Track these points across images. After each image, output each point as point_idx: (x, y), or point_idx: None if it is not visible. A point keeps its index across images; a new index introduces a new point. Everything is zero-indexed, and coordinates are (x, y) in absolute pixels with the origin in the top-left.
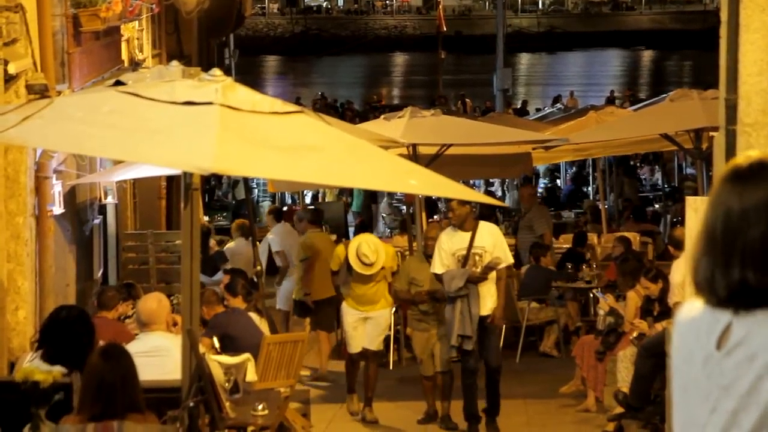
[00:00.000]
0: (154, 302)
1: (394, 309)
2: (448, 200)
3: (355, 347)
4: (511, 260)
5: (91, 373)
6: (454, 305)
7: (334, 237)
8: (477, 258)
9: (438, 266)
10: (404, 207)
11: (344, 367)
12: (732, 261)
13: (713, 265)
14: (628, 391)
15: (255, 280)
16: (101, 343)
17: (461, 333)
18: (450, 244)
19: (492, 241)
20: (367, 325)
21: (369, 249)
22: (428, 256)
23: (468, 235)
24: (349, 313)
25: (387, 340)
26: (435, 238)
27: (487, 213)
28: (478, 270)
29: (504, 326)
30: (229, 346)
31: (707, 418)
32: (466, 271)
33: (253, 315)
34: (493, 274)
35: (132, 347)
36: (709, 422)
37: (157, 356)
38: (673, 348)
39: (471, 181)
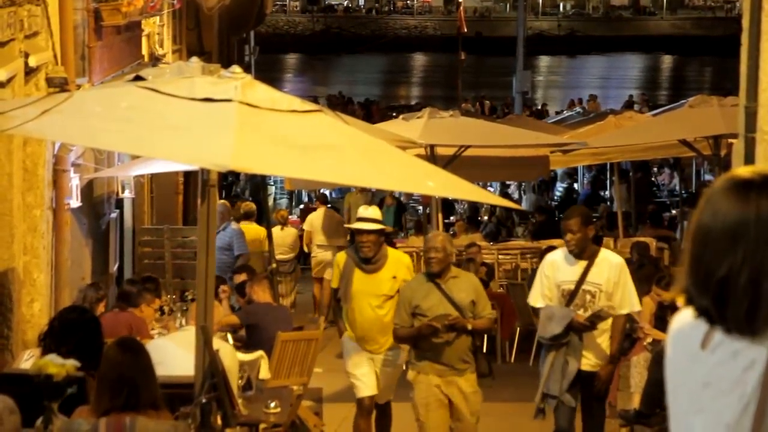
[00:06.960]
0: None
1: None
2: (565, 219)
3: (364, 390)
4: (637, 306)
5: (111, 366)
6: (547, 355)
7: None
8: (588, 297)
9: (537, 298)
10: None
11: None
12: (705, 287)
13: (690, 282)
14: (641, 396)
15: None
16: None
17: (546, 391)
18: (556, 272)
19: (612, 278)
20: (375, 366)
21: (368, 210)
22: (431, 275)
23: (582, 265)
24: (353, 349)
25: None
26: (441, 249)
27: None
28: (585, 314)
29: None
30: (254, 336)
31: (694, 419)
32: (569, 314)
33: None
34: (607, 324)
35: None
36: (696, 423)
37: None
38: (666, 358)
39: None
